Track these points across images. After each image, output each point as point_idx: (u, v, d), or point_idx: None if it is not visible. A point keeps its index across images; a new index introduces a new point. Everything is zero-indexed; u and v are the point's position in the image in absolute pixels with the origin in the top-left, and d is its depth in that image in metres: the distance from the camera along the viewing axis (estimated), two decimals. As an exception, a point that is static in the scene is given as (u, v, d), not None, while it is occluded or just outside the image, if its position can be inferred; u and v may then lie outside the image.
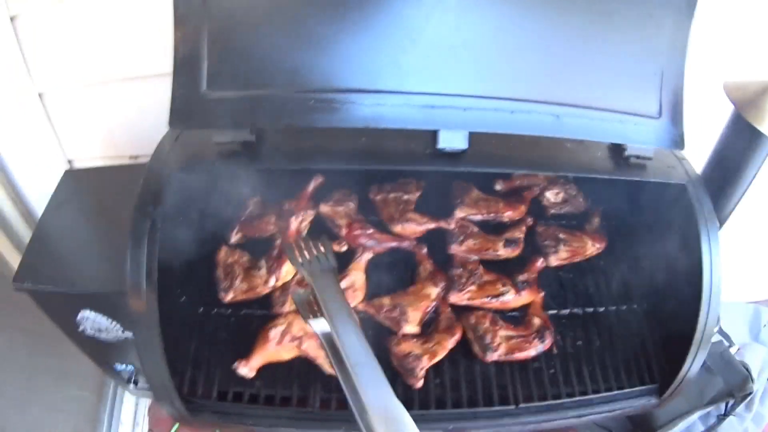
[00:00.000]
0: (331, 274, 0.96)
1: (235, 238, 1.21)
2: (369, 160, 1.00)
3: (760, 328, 1.57)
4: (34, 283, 1.13)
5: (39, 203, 1.33)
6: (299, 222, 1.17)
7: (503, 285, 1.16)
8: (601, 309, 1.22)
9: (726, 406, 1.47)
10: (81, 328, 1.22)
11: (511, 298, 1.15)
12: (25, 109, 1.43)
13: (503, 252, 1.22)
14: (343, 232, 1.19)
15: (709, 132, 1.08)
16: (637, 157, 1.05)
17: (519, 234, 1.24)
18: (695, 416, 1.46)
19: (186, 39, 0.90)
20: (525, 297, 1.17)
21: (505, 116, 0.94)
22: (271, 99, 0.91)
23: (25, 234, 1.46)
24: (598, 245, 1.27)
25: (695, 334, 1.04)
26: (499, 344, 1.09)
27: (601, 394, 1.10)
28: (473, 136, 0.96)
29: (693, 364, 1.08)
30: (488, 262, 1.22)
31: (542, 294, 1.19)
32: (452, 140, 0.95)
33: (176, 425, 1.79)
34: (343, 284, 1.12)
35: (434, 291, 1.13)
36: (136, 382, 1.48)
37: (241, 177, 1.22)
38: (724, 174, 1.08)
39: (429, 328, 1.13)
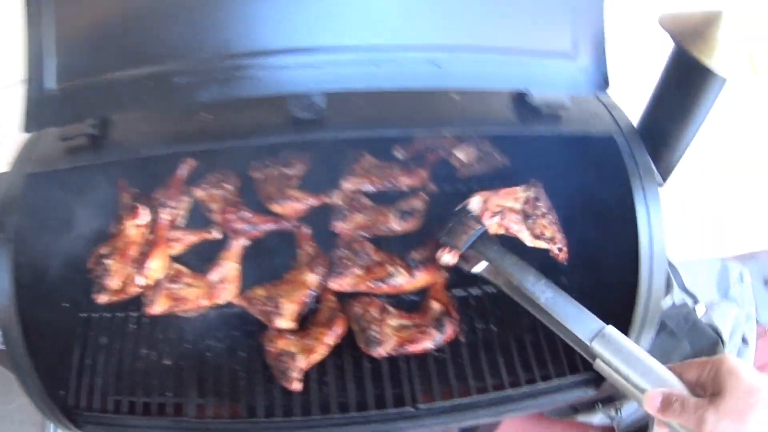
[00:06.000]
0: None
1: (114, 234, 1.11)
2: (211, 138, 0.88)
3: (729, 285, 1.37)
4: None
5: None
6: (169, 213, 1.07)
7: (392, 265, 1.01)
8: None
9: (695, 373, 1.31)
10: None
11: (404, 281, 1.01)
12: None
13: (398, 225, 1.07)
14: (217, 217, 1.08)
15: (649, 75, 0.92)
16: (548, 105, 0.89)
17: (418, 203, 1.09)
18: (660, 384, 1.31)
19: (34, 37, 0.83)
20: (421, 278, 1.02)
21: (369, 70, 0.81)
22: (114, 84, 0.82)
23: None
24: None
25: (634, 316, 0.91)
26: (387, 336, 0.96)
27: (521, 389, 0.94)
28: (335, 97, 0.83)
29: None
30: (388, 240, 1.09)
31: (445, 273, 1.04)
32: (305, 105, 0.82)
33: None
34: (213, 277, 1.02)
35: (312, 278, 1.01)
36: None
37: (111, 170, 1.12)
38: (667, 119, 0.92)
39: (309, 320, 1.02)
